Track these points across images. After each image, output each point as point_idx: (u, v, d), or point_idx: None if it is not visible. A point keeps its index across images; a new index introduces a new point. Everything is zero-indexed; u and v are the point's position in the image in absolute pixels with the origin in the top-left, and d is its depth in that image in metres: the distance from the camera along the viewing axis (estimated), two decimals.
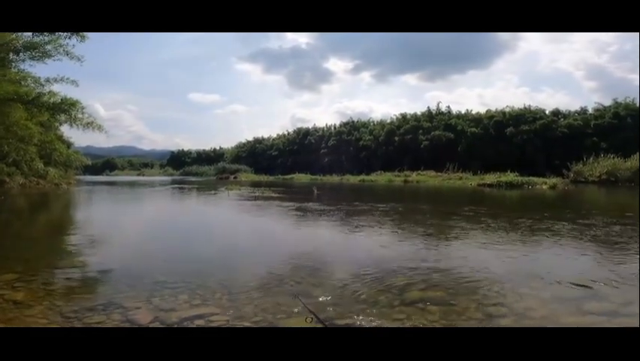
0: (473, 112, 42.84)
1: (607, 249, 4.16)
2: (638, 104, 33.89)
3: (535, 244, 4.52)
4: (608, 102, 36.60)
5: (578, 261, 3.58)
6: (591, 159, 25.64)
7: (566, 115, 38.12)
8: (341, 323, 2.03)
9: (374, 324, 2.03)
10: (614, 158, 24.83)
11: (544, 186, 19.24)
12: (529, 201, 12.70)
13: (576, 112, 38.19)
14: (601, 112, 35.69)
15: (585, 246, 4.32)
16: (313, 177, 38.68)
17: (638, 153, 23.17)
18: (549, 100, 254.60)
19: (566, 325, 2.01)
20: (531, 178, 21.59)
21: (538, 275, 3.00)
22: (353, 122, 53.07)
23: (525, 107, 39.37)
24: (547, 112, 38.71)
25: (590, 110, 37.27)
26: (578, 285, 2.69)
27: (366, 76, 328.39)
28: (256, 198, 11.67)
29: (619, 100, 35.37)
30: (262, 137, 65.77)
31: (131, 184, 24.82)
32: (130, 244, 4.70)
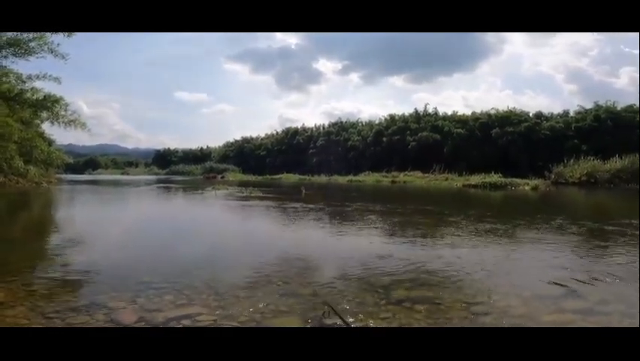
0: (459, 113, 43.47)
1: (585, 248, 4.30)
2: (618, 107, 34.85)
3: (516, 243, 4.63)
4: (587, 105, 37.59)
5: (557, 260, 3.67)
6: (572, 161, 26.26)
7: (548, 117, 38.91)
8: (329, 322, 2.05)
9: (361, 323, 2.06)
10: (593, 160, 25.50)
11: (527, 188, 19.67)
12: (512, 201, 12.97)
13: (558, 115, 39.00)
14: (582, 115, 36.45)
15: (564, 245, 4.45)
16: (301, 177, 38.60)
17: (638, 154, 23.43)
18: (531, 102, 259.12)
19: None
20: (514, 179, 22.08)
21: (520, 274, 3.08)
22: (341, 122, 53.12)
23: (510, 110, 40.02)
24: (530, 114, 39.50)
25: (572, 113, 38.15)
26: (557, 283, 2.78)
27: (354, 77, 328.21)
28: (244, 199, 11.61)
29: (600, 103, 36.34)
30: (250, 136, 65.10)
31: (115, 183, 24.35)
32: (113, 244, 4.62)
